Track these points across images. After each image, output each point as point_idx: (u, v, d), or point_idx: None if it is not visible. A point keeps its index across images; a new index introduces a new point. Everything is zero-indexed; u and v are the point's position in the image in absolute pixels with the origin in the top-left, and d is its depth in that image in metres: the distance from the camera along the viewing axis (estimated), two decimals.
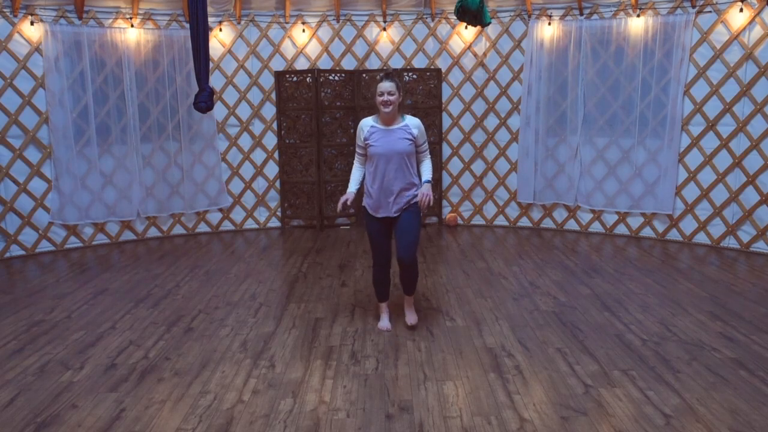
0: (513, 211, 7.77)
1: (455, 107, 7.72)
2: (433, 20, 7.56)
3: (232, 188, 7.74)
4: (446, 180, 7.86)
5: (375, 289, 4.35)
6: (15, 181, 6.51)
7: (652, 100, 6.73)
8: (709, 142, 6.51)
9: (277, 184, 7.82)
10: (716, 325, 4.28)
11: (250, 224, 7.88)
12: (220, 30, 7.33)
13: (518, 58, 7.42)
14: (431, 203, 3.97)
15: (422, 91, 7.59)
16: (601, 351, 3.87)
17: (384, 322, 4.33)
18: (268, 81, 7.62)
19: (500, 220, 7.83)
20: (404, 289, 4.32)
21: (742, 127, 6.26)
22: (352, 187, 4.14)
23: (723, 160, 6.44)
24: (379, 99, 3.96)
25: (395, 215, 4.06)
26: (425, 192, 3.95)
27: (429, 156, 4.15)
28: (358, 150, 4.14)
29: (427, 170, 4.09)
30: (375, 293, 4.40)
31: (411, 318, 4.35)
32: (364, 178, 4.16)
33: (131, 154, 7.05)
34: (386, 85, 3.95)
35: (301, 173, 7.71)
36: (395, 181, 3.99)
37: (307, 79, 7.50)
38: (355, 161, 4.19)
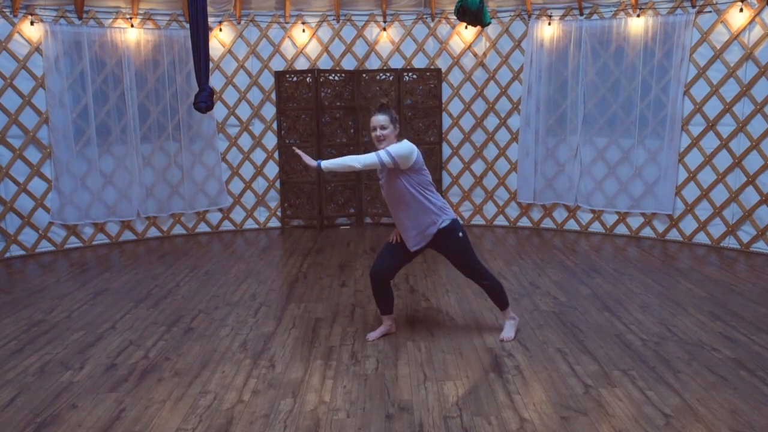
0: (513, 211, 7.76)
1: (455, 107, 7.72)
2: (433, 20, 7.56)
3: (232, 188, 7.74)
4: (446, 180, 7.86)
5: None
6: (15, 181, 6.50)
7: (652, 100, 6.73)
8: (709, 142, 6.51)
9: (277, 184, 7.82)
10: (716, 325, 4.28)
11: (250, 224, 7.88)
12: (220, 30, 7.33)
13: (518, 58, 7.42)
14: (302, 160, 3.62)
15: (422, 91, 7.58)
16: (601, 351, 3.87)
17: (371, 333, 4.17)
18: (268, 81, 7.62)
19: (500, 220, 7.83)
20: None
21: (742, 127, 6.26)
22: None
23: (723, 160, 6.44)
24: (373, 134, 3.69)
25: (414, 249, 3.90)
26: (304, 157, 3.62)
27: (372, 154, 3.62)
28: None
29: (338, 158, 3.66)
30: None
31: (503, 332, 4.13)
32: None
33: (131, 154, 7.05)
34: (379, 119, 3.66)
35: (301, 173, 7.71)
36: (401, 213, 3.81)
37: (307, 79, 7.50)
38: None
